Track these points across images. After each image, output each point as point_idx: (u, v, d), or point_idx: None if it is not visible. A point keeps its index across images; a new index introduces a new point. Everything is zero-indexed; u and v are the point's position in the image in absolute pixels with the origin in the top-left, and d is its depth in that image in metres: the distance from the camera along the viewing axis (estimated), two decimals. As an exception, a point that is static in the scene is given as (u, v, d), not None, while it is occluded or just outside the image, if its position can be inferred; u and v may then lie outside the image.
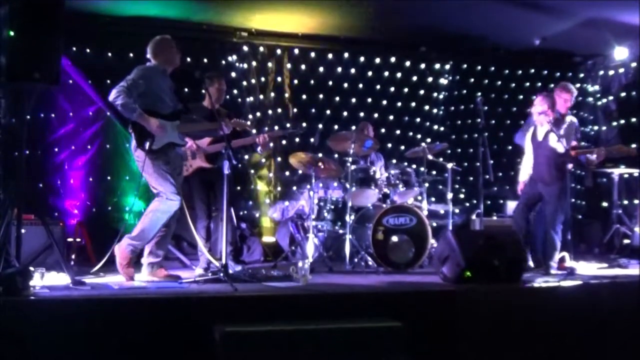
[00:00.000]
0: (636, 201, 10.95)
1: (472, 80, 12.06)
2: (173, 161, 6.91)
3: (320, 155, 9.00)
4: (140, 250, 6.90)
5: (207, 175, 7.85)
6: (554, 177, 8.17)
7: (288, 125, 8.47)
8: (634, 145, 11.01)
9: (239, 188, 10.48)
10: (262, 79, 10.97)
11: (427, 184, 9.21)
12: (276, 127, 9.95)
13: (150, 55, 7.07)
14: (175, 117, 6.95)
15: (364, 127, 9.67)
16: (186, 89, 8.53)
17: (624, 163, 10.54)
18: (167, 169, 6.79)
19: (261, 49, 10.97)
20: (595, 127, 12.35)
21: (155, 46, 7.09)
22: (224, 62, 10.61)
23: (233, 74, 10.62)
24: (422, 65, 11.87)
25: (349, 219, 8.53)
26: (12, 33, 5.95)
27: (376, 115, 11.42)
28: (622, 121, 11.81)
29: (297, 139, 10.25)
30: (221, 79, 8.11)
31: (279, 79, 11.08)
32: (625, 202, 11.06)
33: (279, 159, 10.86)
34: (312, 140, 9.23)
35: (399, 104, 11.74)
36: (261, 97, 10.94)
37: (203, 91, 7.91)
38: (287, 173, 10.85)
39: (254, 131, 7.78)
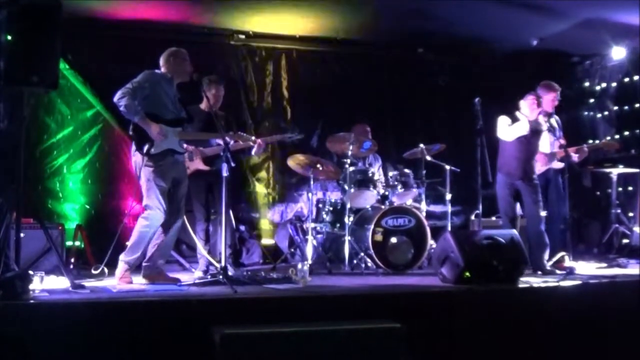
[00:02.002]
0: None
1: (470, 81, 12.05)
2: (169, 170, 6.92)
3: (318, 157, 9.01)
4: (137, 264, 6.93)
5: (205, 178, 7.85)
6: (536, 173, 8.25)
7: (286, 127, 8.49)
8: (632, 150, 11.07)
9: (237, 190, 10.47)
10: (260, 81, 10.97)
11: (425, 185, 9.22)
12: (274, 130, 9.95)
13: (161, 63, 7.12)
14: (177, 124, 6.98)
15: (362, 129, 9.67)
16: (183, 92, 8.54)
17: (623, 162, 10.57)
18: (160, 182, 6.81)
19: (259, 51, 10.97)
20: (594, 127, 12.36)
21: (167, 56, 7.15)
22: (221, 64, 10.60)
23: (231, 76, 10.61)
24: (420, 66, 11.87)
25: (348, 220, 8.52)
26: (9, 37, 5.96)
27: (374, 116, 11.41)
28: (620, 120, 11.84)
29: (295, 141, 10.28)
30: (220, 85, 8.10)
31: (277, 81, 11.08)
32: (624, 201, 11.06)
33: (277, 161, 10.86)
34: (310, 142, 9.23)
35: (397, 105, 11.73)
36: (259, 99, 10.94)
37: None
38: (286, 175, 10.84)
39: (252, 138, 7.78)
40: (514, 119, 8.30)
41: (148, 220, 6.81)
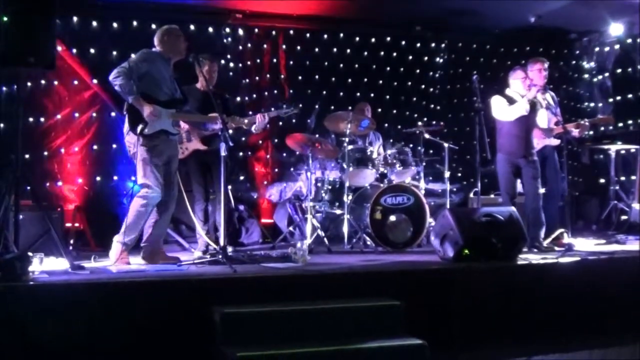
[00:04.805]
0: (633, 177, 10.97)
1: (468, 58, 12.04)
2: (164, 149, 6.91)
3: (317, 135, 9.01)
4: (133, 245, 6.92)
5: (203, 157, 7.84)
6: (534, 151, 8.25)
7: (284, 106, 8.47)
8: (630, 121, 11.10)
9: (235, 170, 10.47)
10: (258, 60, 10.93)
11: (424, 163, 9.22)
12: (272, 109, 9.94)
13: (156, 43, 7.06)
14: (171, 105, 6.95)
15: (362, 107, 9.67)
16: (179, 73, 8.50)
17: (621, 139, 10.56)
18: (156, 160, 6.79)
19: (256, 30, 10.93)
20: (592, 104, 12.36)
21: (161, 35, 7.08)
22: (218, 44, 10.57)
23: (228, 56, 10.59)
24: (418, 45, 11.85)
25: (347, 199, 8.53)
26: (6, 18, 5.94)
27: (372, 95, 11.41)
28: (618, 97, 11.83)
29: (293, 120, 10.25)
30: (213, 61, 8.07)
31: (275, 60, 11.04)
32: (623, 178, 11.07)
33: (275, 140, 10.85)
34: (308, 121, 9.23)
35: (395, 83, 11.73)
36: (257, 78, 10.91)
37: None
38: (284, 154, 10.83)
39: (245, 120, 7.79)
40: (508, 99, 8.26)
41: (146, 199, 6.78)
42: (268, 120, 7.89)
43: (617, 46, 11.74)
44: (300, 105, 8.34)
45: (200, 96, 7.75)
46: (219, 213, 7.32)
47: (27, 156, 8.75)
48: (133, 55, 6.92)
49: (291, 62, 11.11)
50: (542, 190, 8.32)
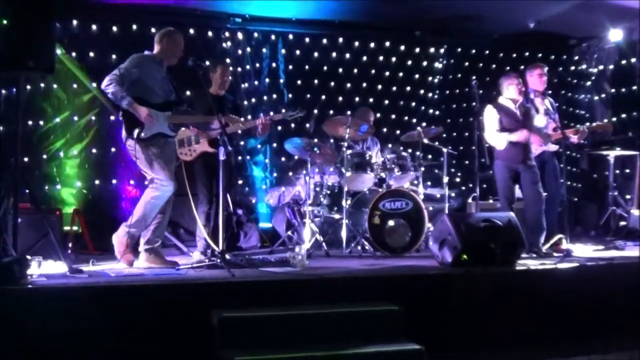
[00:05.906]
0: (632, 183, 10.99)
1: (467, 63, 12.04)
2: (162, 151, 6.90)
3: (315, 140, 9.01)
4: (138, 237, 6.92)
5: (210, 160, 7.83)
6: (533, 156, 8.23)
7: (284, 110, 8.47)
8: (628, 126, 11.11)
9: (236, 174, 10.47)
10: (257, 64, 10.94)
11: (422, 168, 9.22)
12: (271, 113, 9.96)
13: (155, 41, 7.12)
14: (166, 108, 6.96)
15: (367, 114, 9.68)
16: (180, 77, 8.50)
17: (620, 145, 10.57)
18: (159, 154, 6.80)
19: (255, 34, 10.93)
20: (591, 110, 12.36)
21: (162, 35, 7.14)
22: (218, 48, 10.57)
23: (228, 60, 10.57)
24: (417, 50, 11.84)
25: (345, 203, 8.53)
26: (5, 21, 5.94)
27: (371, 99, 11.41)
28: (617, 103, 11.84)
29: (292, 124, 10.24)
30: (224, 67, 8.17)
31: (274, 64, 11.05)
32: (621, 184, 11.07)
33: (274, 144, 10.85)
34: (307, 125, 9.23)
35: (394, 88, 11.72)
36: (256, 83, 10.91)
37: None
38: (283, 159, 10.84)
39: (249, 117, 7.81)
40: (504, 109, 8.22)
41: (159, 191, 6.80)
42: (270, 124, 7.93)
43: (616, 52, 11.73)
44: (299, 110, 8.35)
45: (211, 100, 7.75)
46: (218, 217, 7.32)
47: (26, 159, 8.75)
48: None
49: (290, 67, 11.11)
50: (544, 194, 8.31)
